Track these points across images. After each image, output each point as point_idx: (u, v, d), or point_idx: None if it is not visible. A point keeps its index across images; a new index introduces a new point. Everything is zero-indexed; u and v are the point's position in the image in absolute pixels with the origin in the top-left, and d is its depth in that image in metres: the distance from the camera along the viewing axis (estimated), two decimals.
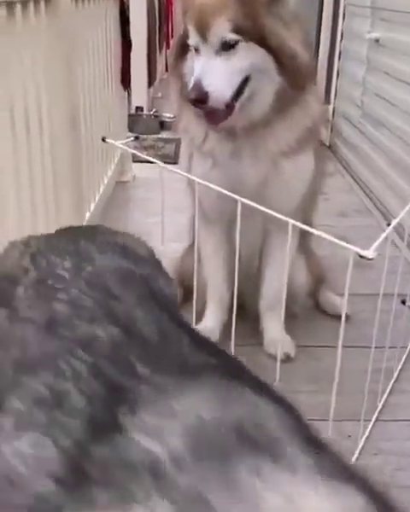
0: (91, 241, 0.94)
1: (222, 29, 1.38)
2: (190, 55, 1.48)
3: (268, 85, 1.45)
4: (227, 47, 1.39)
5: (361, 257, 1.07)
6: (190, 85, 1.39)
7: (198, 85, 1.37)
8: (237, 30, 1.38)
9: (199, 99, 1.37)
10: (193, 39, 1.43)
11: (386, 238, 1.20)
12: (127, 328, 0.70)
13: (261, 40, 1.40)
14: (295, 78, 1.45)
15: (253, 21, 1.38)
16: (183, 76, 1.53)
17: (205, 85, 1.37)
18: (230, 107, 1.43)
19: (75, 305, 0.75)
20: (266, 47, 1.40)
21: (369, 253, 1.06)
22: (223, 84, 1.39)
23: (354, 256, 1.09)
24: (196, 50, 1.43)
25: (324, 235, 1.18)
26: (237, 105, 1.44)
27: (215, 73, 1.38)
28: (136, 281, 0.87)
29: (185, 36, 1.46)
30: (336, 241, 1.12)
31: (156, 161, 1.48)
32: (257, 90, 1.45)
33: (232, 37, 1.38)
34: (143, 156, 1.65)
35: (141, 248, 1.06)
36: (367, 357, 1.34)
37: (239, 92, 1.43)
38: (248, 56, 1.40)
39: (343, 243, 1.11)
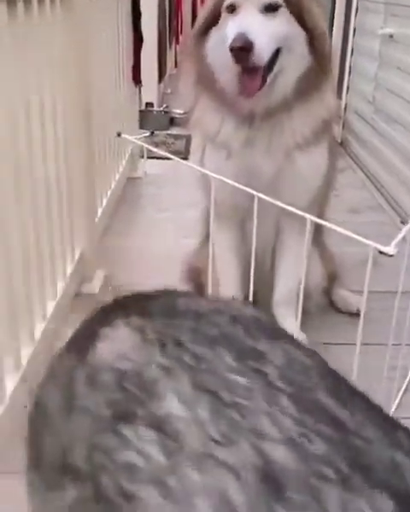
0: (218, 315, 0.64)
1: None
2: (223, 19, 1.45)
3: (297, 63, 1.45)
4: (270, 9, 1.40)
5: (381, 253, 1.06)
6: (232, 38, 1.35)
7: (243, 35, 1.34)
8: None
9: (244, 47, 1.33)
10: None
11: (406, 234, 1.19)
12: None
13: (298, 12, 1.42)
14: (321, 60, 1.47)
15: None
16: (204, 57, 1.50)
17: (250, 35, 1.34)
18: (263, 78, 1.42)
19: (295, 448, 0.47)
20: (300, 21, 1.42)
21: (390, 249, 1.05)
22: (267, 39, 1.37)
23: (373, 252, 1.08)
24: (234, 10, 1.41)
25: (342, 230, 1.17)
26: (269, 78, 1.43)
27: (260, 27, 1.36)
28: (332, 379, 0.60)
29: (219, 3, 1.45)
30: (356, 236, 1.11)
31: (173, 157, 1.48)
32: (286, 66, 1.44)
33: (275, 0, 1.40)
34: (159, 152, 1.65)
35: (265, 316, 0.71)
36: (381, 354, 1.33)
37: (271, 65, 1.42)
38: (287, 24, 1.41)
39: (363, 239, 1.10)
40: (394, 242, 1.07)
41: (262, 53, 1.37)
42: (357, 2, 3.80)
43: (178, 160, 1.48)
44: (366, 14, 3.66)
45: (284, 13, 1.41)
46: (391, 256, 1.06)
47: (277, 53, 1.43)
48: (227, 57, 1.42)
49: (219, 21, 1.47)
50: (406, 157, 2.80)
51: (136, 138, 1.73)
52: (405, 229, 1.14)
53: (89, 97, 1.98)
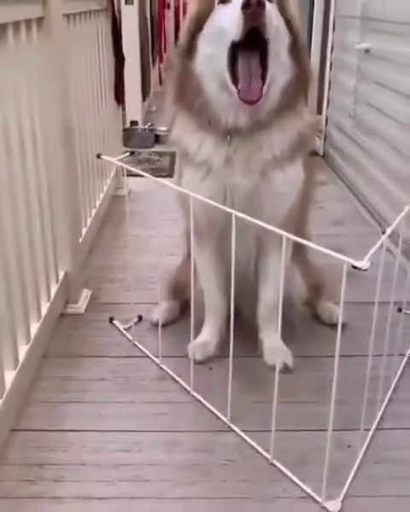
0: None
1: None
2: (217, 12, 1.44)
3: (282, 72, 1.47)
4: None
5: (355, 267, 1.08)
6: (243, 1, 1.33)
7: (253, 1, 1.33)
8: None
9: (260, 1, 1.32)
10: None
11: (381, 247, 1.21)
12: None
13: (284, 14, 1.46)
14: (303, 71, 1.50)
15: None
16: (190, 72, 1.49)
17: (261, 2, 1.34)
18: (261, 89, 1.43)
19: None
20: (282, 16, 1.46)
21: (362, 263, 1.07)
22: (273, 16, 1.39)
23: (349, 266, 1.09)
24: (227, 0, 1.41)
25: (315, 246, 1.19)
26: (265, 88, 1.44)
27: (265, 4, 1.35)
28: None
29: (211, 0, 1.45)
30: (329, 251, 1.13)
31: (147, 175, 1.49)
32: (273, 75, 1.45)
33: None
34: (138, 172, 1.67)
35: None
36: (364, 365, 1.34)
37: (264, 75, 1.44)
38: (277, 16, 1.43)
39: (336, 254, 1.12)
40: (366, 257, 1.09)
41: (270, 21, 1.37)
42: (334, 17, 3.87)
43: (154, 178, 1.50)
44: (343, 30, 3.73)
45: (274, 7, 1.44)
46: (365, 271, 1.08)
47: (265, 59, 1.43)
48: (219, 62, 1.43)
49: (210, 19, 1.45)
50: (386, 169, 2.84)
51: (116, 159, 1.74)
52: (376, 245, 1.15)
53: (70, 118, 2.00)
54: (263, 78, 1.44)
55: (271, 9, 1.39)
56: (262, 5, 1.34)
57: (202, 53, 1.48)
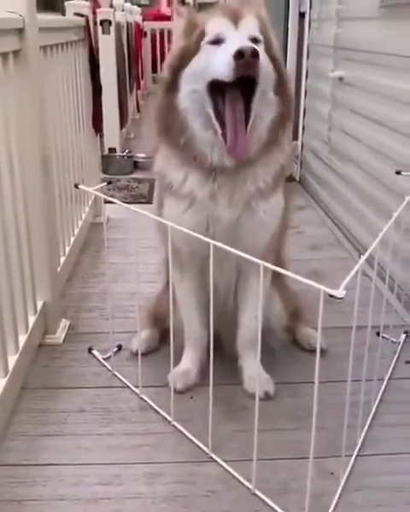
0: None
1: (253, 22, 1.45)
2: (205, 52, 1.44)
3: (267, 110, 1.48)
4: (254, 41, 1.42)
5: (331, 296, 1.09)
6: (236, 50, 1.33)
7: (248, 45, 1.34)
8: (259, 30, 1.46)
9: (254, 51, 1.33)
10: (221, 27, 1.42)
11: (356, 273, 1.22)
12: None
13: (269, 53, 1.47)
14: (287, 106, 1.52)
15: (264, 28, 1.48)
16: (176, 108, 1.49)
17: (253, 45, 1.35)
18: (245, 134, 1.44)
19: None
20: (268, 56, 1.47)
21: (338, 292, 1.08)
22: (262, 58, 1.39)
23: (325, 294, 1.11)
24: (219, 42, 1.42)
25: (292, 274, 1.20)
26: (249, 126, 1.45)
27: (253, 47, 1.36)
28: None
29: (199, 38, 1.45)
30: (305, 280, 1.14)
31: (123, 204, 1.50)
32: (259, 113, 1.47)
33: (258, 35, 1.45)
34: (116, 201, 1.67)
35: None
36: (344, 390, 1.34)
37: (246, 118, 1.45)
38: (265, 58, 1.44)
39: (312, 282, 1.13)
40: (342, 286, 1.10)
41: (262, 66, 1.38)
42: (308, 46, 3.96)
43: (131, 208, 1.51)
44: (317, 58, 3.81)
45: (262, 48, 1.44)
46: (341, 299, 1.09)
47: (251, 98, 1.44)
48: (202, 98, 1.44)
49: (195, 57, 1.46)
50: (361, 194, 2.89)
51: (94, 189, 1.75)
52: (353, 271, 1.17)
53: (47, 146, 2.01)
54: (247, 121, 1.44)
55: (260, 51, 1.39)
56: (256, 56, 1.35)
57: (185, 89, 1.48)
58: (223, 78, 1.40)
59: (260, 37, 1.46)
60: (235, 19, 1.44)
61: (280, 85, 1.51)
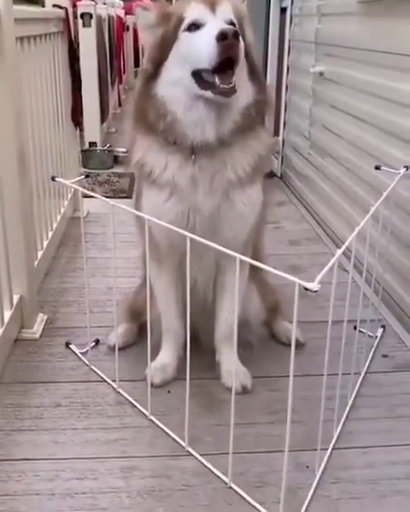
0: None
1: (228, 7, 1.48)
2: (183, 39, 1.45)
3: (243, 93, 1.49)
4: (230, 25, 1.43)
5: (306, 289, 1.09)
6: (217, 33, 1.35)
7: (228, 27, 1.37)
8: (234, 15, 1.48)
9: (236, 32, 1.36)
10: (199, 13, 1.44)
11: (333, 267, 1.22)
12: None
13: (243, 41, 1.48)
14: (262, 93, 1.54)
15: (239, 16, 1.51)
16: (154, 96, 1.50)
17: (234, 27, 1.38)
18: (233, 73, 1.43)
19: None
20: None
21: (313, 285, 1.08)
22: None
23: (301, 287, 1.11)
24: (198, 27, 1.44)
25: (268, 267, 1.20)
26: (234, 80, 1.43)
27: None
28: None
29: (177, 26, 1.46)
30: (280, 273, 1.14)
31: (100, 197, 1.48)
32: (237, 97, 1.47)
33: (234, 20, 1.47)
34: (93, 194, 1.66)
35: None
36: (321, 384, 1.34)
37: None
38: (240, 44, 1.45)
39: (287, 275, 1.13)
40: (317, 279, 1.10)
41: (241, 50, 1.41)
42: (289, 41, 3.97)
43: (110, 201, 1.50)
44: (298, 53, 3.82)
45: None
46: (315, 292, 1.09)
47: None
48: (185, 83, 1.45)
49: (175, 47, 1.47)
50: (341, 189, 2.90)
51: (71, 182, 1.73)
52: (329, 264, 1.17)
53: (24, 140, 1.98)
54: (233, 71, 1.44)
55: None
56: (237, 37, 1.38)
57: (167, 77, 1.49)
58: (207, 67, 1.41)
59: (236, 22, 1.48)
60: (212, 5, 1.46)
61: (253, 73, 1.53)
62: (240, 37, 1.41)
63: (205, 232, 1.54)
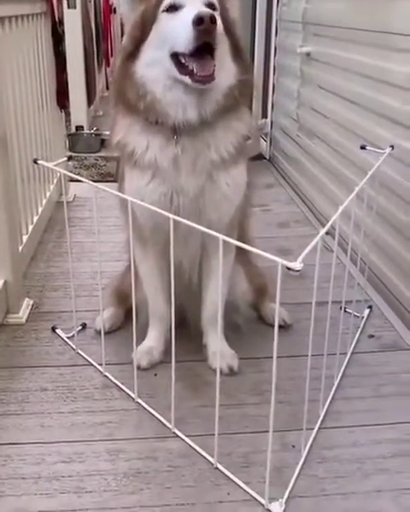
0: None
1: None
2: (162, 20, 1.43)
3: (226, 74, 1.47)
4: (209, 7, 1.41)
5: (289, 269, 1.09)
6: (194, 17, 1.32)
7: (205, 11, 1.34)
8: None
9: (212, 17, 1.32)
10: None
11: (316, 246, 1.21)
12: None
13: (225, 21, 1.46)
14: (245, 73, 1.51)
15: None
16: (133, 73, 1.47)
17: (210, 11, 1.35)
18: (213, 66, 1.41)
19: None
20: (226, 30, 1.47)
21: (295, 264, 1.07)
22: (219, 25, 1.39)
23: (284, 267, 1.10)
24: (177, 9, 1.41)
25: (249, 247, 1.19)
26: (215, 69, 1.41)
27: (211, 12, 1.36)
28: None
29: (156, 5, 1.43)
30: (263, 253, 1.13)
31: (84, 180, 1.46)
32: (218, 78, 1.44)
33: (214, 1, 1.45)
34: (76, 177, 1.64)
35: None
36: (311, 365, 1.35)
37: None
38: (219, 26, 1.42)
39: (270, 256, 1.12)
40: (299, 259, 1.09)
41: (219, 33, 1.38)
42: (276, 22, 3.92)
43: (93, 183, 1.48)
44: (285, 34, 3.77)
45: (218, 15, 1.44)
46: (298, 272, 1.08)
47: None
48: (165, 64, 1.43)
49: (155, 27, 1.44)
50: (329, 171, 2.89)
51: (54, 164, 1.70)
52: (311, 244, 1.16)
53: (4, 123, 1.95)
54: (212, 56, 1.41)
55: (217, 18, 1.38)
56: (214, 22, 1.34)
57: (146, 58, 1.47)
58: (184, 51, 1.39)
59: (216, 3, 1.46)
60: None
61: (236, 52, 1.51)
62: (218, 21, 1.38)
63: (189, 214, 1.52)
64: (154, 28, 1.45)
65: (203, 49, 1.38)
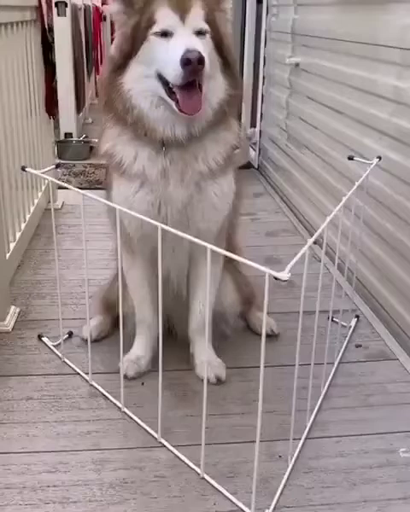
0: None
1: (199, 16, 1.43)
2: (153, 43, 1.43)
3: (217, 89, 1.49)
4: (200, 34, 1.43)
5: (276, 279, 1.09)
6: (183, 53, 1.34)
7: (195, 50, 1.35)
8: (206, 20, 1.45)
9: (201, 58, 1.34)
10: (169, 21, 1.41)
11: (304, 255, 1.22)
12: None
13: (218, 41, 1.48)
14: (235, 86, 1.52)
15: (212, 16, 1.47)
16: (120, 86, 1.47)
17: (200, 52, 1.36)
18: (201, 99, 1.43)
19: None
20: (217, 49, 1.48)
21: (283, 274, 1.08)
22: (208, 51, 1.41)
23: (271, 277, 1.10)
24: (167, 35, 1.42)
25: (238, 258, 1.19)
26: (203, 98, 1.44)
27: (200, 46, 1.38)
28: None
29: (147, 26, 1.43)
30: (251, 263, 1.13)
31: (72, 187, 1.46)
32: (209, 91, 1.46)
33: (204, 26, 1.45)
34: (64, 184, 1.63)
35: None
36: (298, 375, 1.34)
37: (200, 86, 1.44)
38: (210, 49, 1.45)
39: (258, 265, 1.12)
40: (287, 268, 1.09)
41: (207, 69, 1.40)
42: (266, 32, 3.95)
43: (80, 191, 1.47)
44: (274, 45, 3.80)
45: (208, 39, 1.45)
46: (285, 281, 1.08)
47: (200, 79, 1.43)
48: (152, 82, 1.44)
49: (144, 46, 1.44)
50: (317, 181, 2.90)
51: (42, 172, 1.70)
52: (296, 257, 1.16)
53: None
54: (200, 88, 1.43)
55: (206, 43, 1.41)
56: (202, 62, 1.35)
57: (134, 73, 1.47)
58: (172, 82, 1.41)
59: (207, 28, 1.45)
60: (182, 12, 1.42)
61: (226, 68, 1.51)
62: (206, 47, 1.40)
63: (177, 224, 1.52)
64: (143, 47, 1.45)
65: (191, 82, 1.40)
